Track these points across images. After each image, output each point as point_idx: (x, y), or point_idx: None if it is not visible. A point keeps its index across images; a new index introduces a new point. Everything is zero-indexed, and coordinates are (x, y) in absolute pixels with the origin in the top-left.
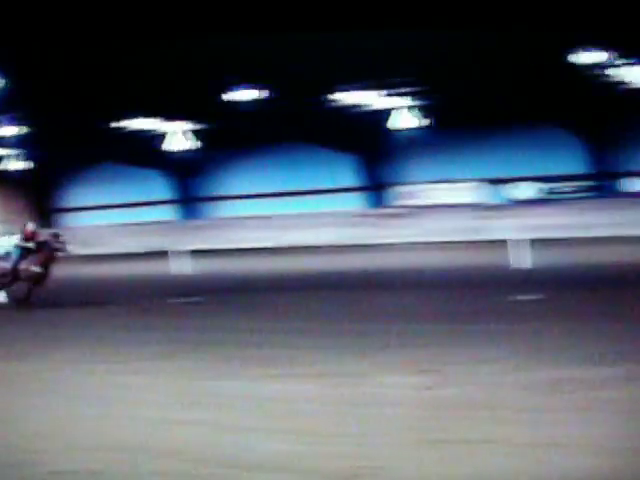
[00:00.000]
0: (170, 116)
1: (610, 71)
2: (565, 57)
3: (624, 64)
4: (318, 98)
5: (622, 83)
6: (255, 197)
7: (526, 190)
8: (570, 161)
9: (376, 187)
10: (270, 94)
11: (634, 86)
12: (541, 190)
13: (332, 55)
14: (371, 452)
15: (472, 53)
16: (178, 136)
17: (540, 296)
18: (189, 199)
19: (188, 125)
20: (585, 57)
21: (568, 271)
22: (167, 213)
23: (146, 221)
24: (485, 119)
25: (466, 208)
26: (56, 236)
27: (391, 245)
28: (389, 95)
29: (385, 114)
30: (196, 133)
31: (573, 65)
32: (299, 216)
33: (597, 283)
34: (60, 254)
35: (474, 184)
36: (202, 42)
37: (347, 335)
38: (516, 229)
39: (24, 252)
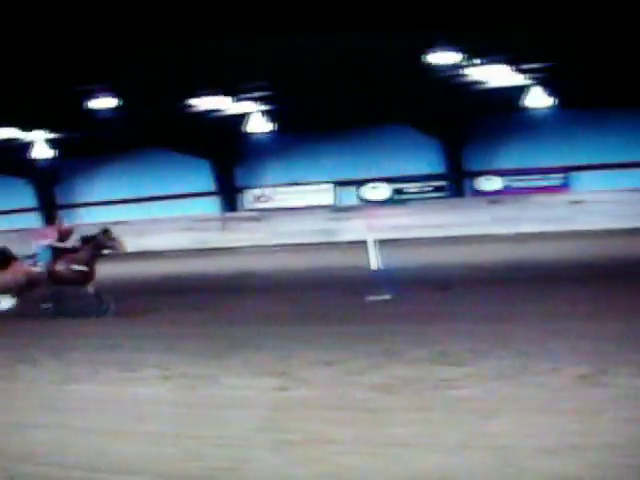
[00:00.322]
0: (31, 125)
1: (462, 71)
2: (417, 57)
3: (476, 64)
4: (173, 104)
5: (475, 83)
6: (114, 203)
7: (380, 191)
8: (423, 161)
9: (230, 191)
10: (126, 101)
11: (486, 86)
12: (395, 191)
13: (187, 61)
14: (225, 454)
15: (323, 55)
16: (40, 145)
17: (392, 297)
18: (51, 206)
19: (49, 134)
20: (437, 57)
21: (421, 271)
22: (31, 221)
23: (11, 229)
24: (338, 121)
25: (320, 210)
26: (106, 232)
27: (245, 248)
28: (241, 100)
29: (238, 119)
30: (57, 141)
31: (425, 65)
32: (155, 221)
33: (449, 282)
34: (107, 252)
35: (327, 186)
36: (60, 51)
37: (198, 338)
38: (370, 230)
39: (57, 252)
